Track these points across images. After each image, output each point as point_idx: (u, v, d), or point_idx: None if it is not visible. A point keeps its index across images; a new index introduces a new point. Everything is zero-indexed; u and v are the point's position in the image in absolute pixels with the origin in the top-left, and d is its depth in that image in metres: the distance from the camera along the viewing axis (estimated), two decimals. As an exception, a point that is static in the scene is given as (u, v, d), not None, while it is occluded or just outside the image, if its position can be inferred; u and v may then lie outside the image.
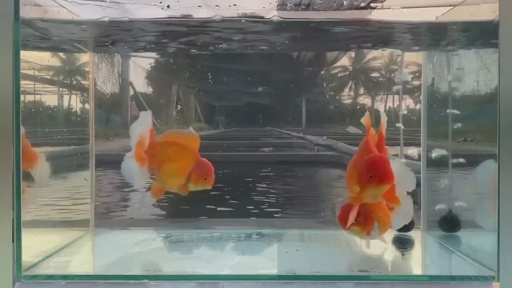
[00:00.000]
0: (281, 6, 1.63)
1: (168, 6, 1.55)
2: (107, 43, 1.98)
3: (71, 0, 1.57)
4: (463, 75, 1.80)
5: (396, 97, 2.13)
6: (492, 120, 1.32)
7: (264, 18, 1.64)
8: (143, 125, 1.52)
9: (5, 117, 1.24)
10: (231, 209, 3.26)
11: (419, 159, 2.01)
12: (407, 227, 1.90)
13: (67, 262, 1.61)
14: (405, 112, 1.97)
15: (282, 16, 1.64)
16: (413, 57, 2.16)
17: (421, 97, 2.05)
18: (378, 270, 1.52)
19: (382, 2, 1.56)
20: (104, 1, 1.56)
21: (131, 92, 4.33)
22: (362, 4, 1.57)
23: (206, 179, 1.45)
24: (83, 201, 2.02)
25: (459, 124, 1.80)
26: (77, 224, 1.99)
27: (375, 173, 1.34)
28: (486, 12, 1.46)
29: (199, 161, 1.45)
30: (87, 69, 2.04)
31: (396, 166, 1.44)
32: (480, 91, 1.70)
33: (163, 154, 1.48)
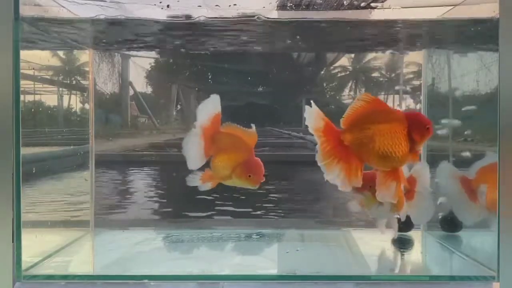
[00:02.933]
0: (281, 7, 1.63)
1: (168, 6, 1.55)
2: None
3: (71, 0, 1.57)
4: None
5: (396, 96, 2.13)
6: (492, 120, 1.33)
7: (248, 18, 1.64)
8: (212, 108, 1.45)
9: (5, 117, 1.24)
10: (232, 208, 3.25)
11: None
12: (407, 227, 1.90)
13: (67, 262, 1.61)
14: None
15: (283, 16, 1.65)
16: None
17: (421, 97, 2.05)
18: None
19: (382, 2, 1.56)
20: (104, 1, 1.56)
21: (131, 92, 4.32)
22: (363, 4, 1.57)
23: (249, 176, 1.39)
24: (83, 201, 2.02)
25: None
26: (77, 224, 2.00)
27: (429, 124, 1.34)
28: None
29: (250, 158, 1.42)
30: (87, 68, 2.04)
31: (419, 165, 1.50)
32: (480, 91, 1.70)
33: (222, 144, 1.45)
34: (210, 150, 1.44)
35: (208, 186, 1.44)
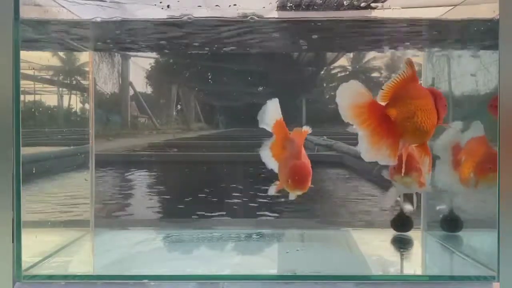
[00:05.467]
0: (281, 7, 1.63)
1: (168, 6, 1.55)
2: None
3: (71, 0, 1.57)
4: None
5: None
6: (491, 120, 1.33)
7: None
8: (275, 113, 1.41)
9: (5, 117, 1.24)
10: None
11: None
12: (407, 227, 1.90)
13: (67, 262, 1.61)
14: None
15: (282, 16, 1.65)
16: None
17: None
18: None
19: (383, 2, 1.56)
20: (104, 1, 1.55)
21: (131, 92, 4.32)
22: (363, 4, 1.57)
23: (288, 181, 1.33)
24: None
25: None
26: (77, 224, 2.00)
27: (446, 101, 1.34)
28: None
29: (295, 161, 1.34)
30: (87, 69, 2.04)
31: None
32: (479, 91, 1.70)
33: (288, 150, 1.40)
34: (279, 156, 1.42)
35: (293, 195, 1.38)
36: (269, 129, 1.41)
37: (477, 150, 1.55)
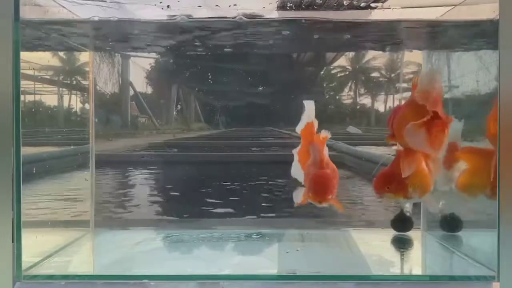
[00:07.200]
0: (281, 7, 1.63)
1: (168, 6, 1.55)
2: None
3: (71, 0, 1.57)
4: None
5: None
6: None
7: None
8: (307, 116, 1.38)
9: (5, 117, 1.24)
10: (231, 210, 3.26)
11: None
12: (407, 227, 1.90)
13: (67, 262, 1.61)
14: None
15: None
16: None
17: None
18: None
19: (383, 2, 1.56)
20: (104, 1, 1.56)
21: (132, 92, 4.33)
22: (363, 4, 1.57)
23: (309, 195, 1.29)
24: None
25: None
26: (77, 224, 2.00)
27: None
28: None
29: (316, 171, 1.29)
30: (87, 69, 2.04)
31: None
32: (479, 91, 1.70)
33: (312, 155, 1.35)
34: (304, 163, 1.38)
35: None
36: (298, 131, 1.38)
37: (483, 162, 1.49)
